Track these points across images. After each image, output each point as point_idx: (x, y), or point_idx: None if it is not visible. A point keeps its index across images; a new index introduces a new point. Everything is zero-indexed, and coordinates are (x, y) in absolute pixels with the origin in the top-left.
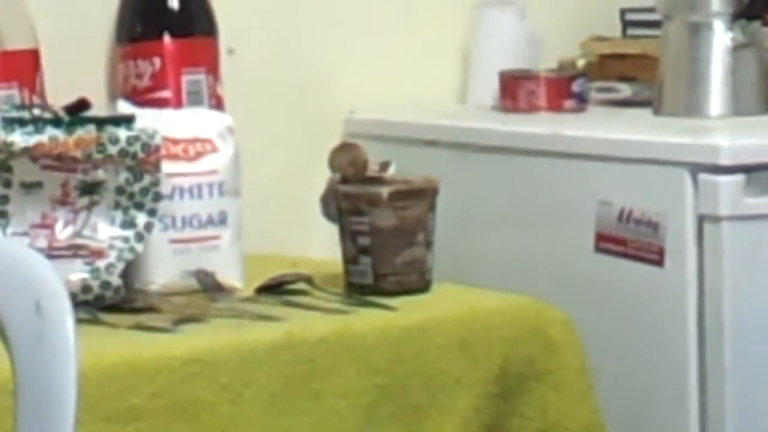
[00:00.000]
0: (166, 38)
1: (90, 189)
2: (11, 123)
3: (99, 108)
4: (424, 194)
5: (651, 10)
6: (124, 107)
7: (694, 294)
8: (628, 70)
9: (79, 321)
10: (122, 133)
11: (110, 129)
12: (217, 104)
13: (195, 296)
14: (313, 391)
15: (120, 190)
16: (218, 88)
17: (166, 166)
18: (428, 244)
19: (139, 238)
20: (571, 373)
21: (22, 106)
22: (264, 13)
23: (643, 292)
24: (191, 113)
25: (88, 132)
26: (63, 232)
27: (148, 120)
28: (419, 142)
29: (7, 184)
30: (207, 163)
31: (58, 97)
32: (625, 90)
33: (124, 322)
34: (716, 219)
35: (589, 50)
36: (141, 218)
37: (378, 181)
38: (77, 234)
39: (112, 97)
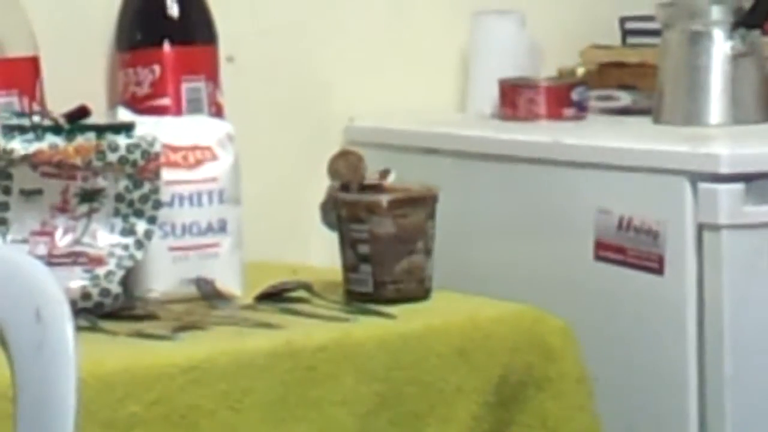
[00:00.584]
0: (166, 46)
1: (90, 196)
2: (11, 130)
3: (99, 115)
4: (423, 202)
5: (651, 18)
6: (123, 115)
7: (693, 302)
8: (628, 79)
9: (78, 328)
10: (122, 141)
11: (110, 136)
12: (217, 112)
13: (194, 304)
14: (312, 399)
15: (120, 198)
16: (218, 96)
17: (166, 174)
18: (428, 252)
19: (139, 245)
20: (570, 382)
21: (22, 114)
22: (264, 21)
23: (643, 301)
24: (191, 121)
25: (87, 139)
26: (63, 240)
27: (148, 127)
28: (419, 150)
29: (7, 192)
30: (207, 170)
31: (58, 105)
32: (625, 98)
33: (123, 329)
34: (716, 227)
35: (589, 59)
36: (141, 226)
37: (377, 189)
38: (77, 241)
39: (112, 105)
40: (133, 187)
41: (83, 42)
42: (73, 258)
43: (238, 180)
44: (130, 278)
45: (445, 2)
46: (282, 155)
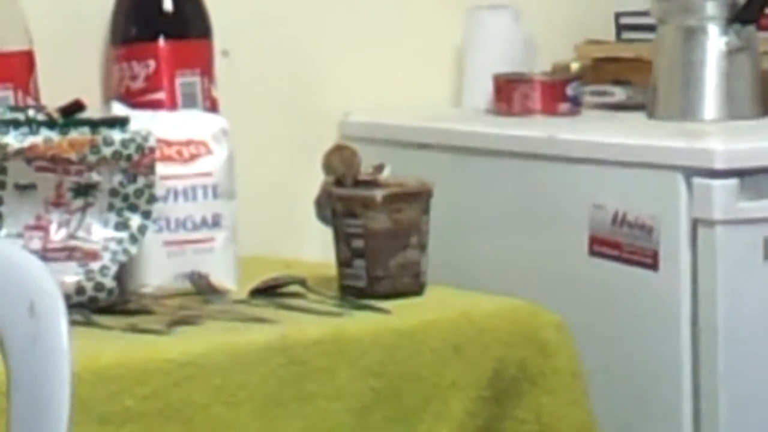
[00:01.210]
0: (161, 40)
1: (84, 191)
2: (5, 124)
3: (93, 110)
4: (418, 197)
5: (645, 14)
6: (118, 109)
7: (687, 297)
8: (623, 74)
9: (73, 323)
10: (116, 135)
11: (104, 131)
12: (212, 106)
13: (189, 298)
14: (306, 394)
15: (114, 192)
16: (213, 90)
17: (161, 168)
18: (422, 247)
19: (133, 240)
20: (565, 377)
21: (16, 108)
22: (258, 15)
23: (637, 296)
24: (185, 115)
25: (82, 134)
26: (57, 234)
27: (143, 122)
28: (413, 145)
29: (1, 186)
30: (201, 165)
31: (53, 99)
32: (620, 93)
33: (118, 324)
34: (710, 223)
35: (584, 54)
36: (135, 220)
37: (372, 183)
38: (71, 236)
39: (107, 99)
40: (128, 182)
41: (78, 36)
42: (67, 252)
43: (233, 174)
44: (124, 273)
45: None
46: (277, 150)
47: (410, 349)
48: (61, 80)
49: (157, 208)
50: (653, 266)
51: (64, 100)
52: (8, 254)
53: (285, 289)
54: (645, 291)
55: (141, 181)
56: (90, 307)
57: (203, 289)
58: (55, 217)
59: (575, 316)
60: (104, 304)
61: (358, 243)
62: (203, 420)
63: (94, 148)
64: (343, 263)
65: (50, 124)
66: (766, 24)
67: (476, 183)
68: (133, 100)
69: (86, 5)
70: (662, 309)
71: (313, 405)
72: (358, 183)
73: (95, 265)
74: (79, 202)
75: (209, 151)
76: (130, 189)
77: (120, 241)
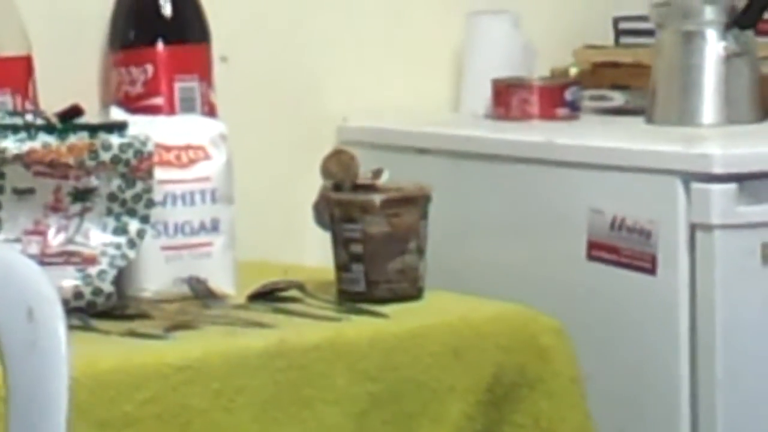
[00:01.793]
0: (159, 45)
1: (82, 195)
2: (4, 129)
3: (92, 115)
4: (416, 202)
5: (644, 18)
6: (116, 114)
7: (686, 302)
8: (621, 79)
9: (71, 327)
10: (115, 140)
11: (103, 136)
12: (210, 111)
13: (187, 303)
14: (305, 398)
15: (112, 197)
16: (211, 96)
17: (159, 173)
18: (420, 251)
19: (132, 244)
20: (563, 381)
21: (14, 113)
22: (257, 21)
23: (636, 301)
24: (184, 120)
25: (80, 139)
26: (55, 239)
27: (141, 127)
28: (412, 149)
29: (0, 191)
30: (199, 170)
31: (51, 104)
32: (618, 98)
33: (116, 328)
34: (708, 227)
35: (582, 58)
36: (133, 225)
37: (370, 188)
38: (69, 240)
39: (105, 104)
40: (126, 187)
41: (76, 41)
42: (65, 257)
43: (231, 179)
44: (122, 277)
45: (439, 2)
46: (275, 155)
47: (409, 353)
48: (59, 85)
49: (155, 213)
50: (651, 271)
51: (63, 105)
52: (6, 259)
53: (283, 294)
54: (643, 296)
55: (139, 186)
56: (88, 311)
57: (202, 293)
58: (53, 221)
59: (573, 320)
60: (102, 308)
61: (356, 248)
62: (202, 424)
63: (93, 152)
64: (341, 268)
65: (49, 128)
66: (765, 29)
67: (475, 188)
68: (132, 105)
69: (85, 10)
70: (660, 313)
71: (311, 409)
72: (356, 188)
73: (93, 270)
74: (77, 207)
75: (207, 156)
76: (129, 194)
77: (118, 246)
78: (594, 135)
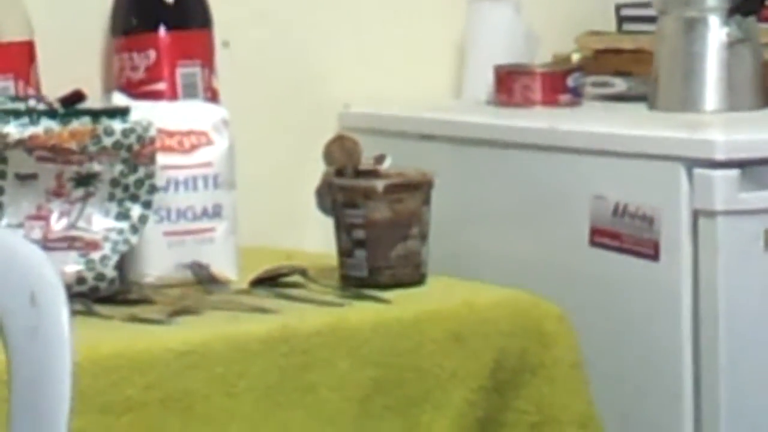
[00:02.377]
0: (161, 31)
1: (85, 181)
2: (6, 114)
3: (94, 100)
4: (419, 187)
5: (646, 5)
6: (119, 99)
7: (688, 288)
8: (624, 65)
9: (73, 313)
10: (117, 126)
11: (105, 121)
12: (212, 97)
13: (189, 288)
14: (307, 384)
15: (115, 182)
16: (213, 81)
17: (161, 159)
18: (423, 237)
19: (134, 230)
20: (565, 367)
21: (17, 98)
22: (259, 6)
23: (638, 287)
24: (186, 106)
25: (83, 124)
26: (58, 224)
27: (143, 112)
28: (414, 136)
29: (2, 176)
30: (202, 155)
31: (53, 89)
32: (620, 85)
33: (118, 314)
34: (711, 214)
35: (585, 45)
36: (136, 210)
37: (373, 174)
38: (72, 226)
39: (107, 89)
40: (128, 172)
41: (78, 26)
42: (68, 242)
43: (233, 165)
44: (125, 263)
45: None
46: (277, 140)
47: (411, 339)
48: (61, 70)
49: (157, 198)
50: (654, 257)
51: (65, 91)
52: (9, 244)
53: (286, 279)
54: (646, 282)
55: (142, 171)
56: (91, 296)
57: (204, 279)
58: (55, 207)
59: (576, 306)
60: (105, 293)
61: (359, 233)
62: (204, 409)
63: (95, 138)
64: (343, 253)
65: (51, 114)
66: (767, 15)
67: (477, 174)
68: (134, 90)
69: None
70: (663, 300)
71: (313, 395)
72: (359, 173)
73: (96, 255)
74: (79, 192)
75: (210, 142)
76: (131, 179)
77: (121, 231)
78: (596, 121)
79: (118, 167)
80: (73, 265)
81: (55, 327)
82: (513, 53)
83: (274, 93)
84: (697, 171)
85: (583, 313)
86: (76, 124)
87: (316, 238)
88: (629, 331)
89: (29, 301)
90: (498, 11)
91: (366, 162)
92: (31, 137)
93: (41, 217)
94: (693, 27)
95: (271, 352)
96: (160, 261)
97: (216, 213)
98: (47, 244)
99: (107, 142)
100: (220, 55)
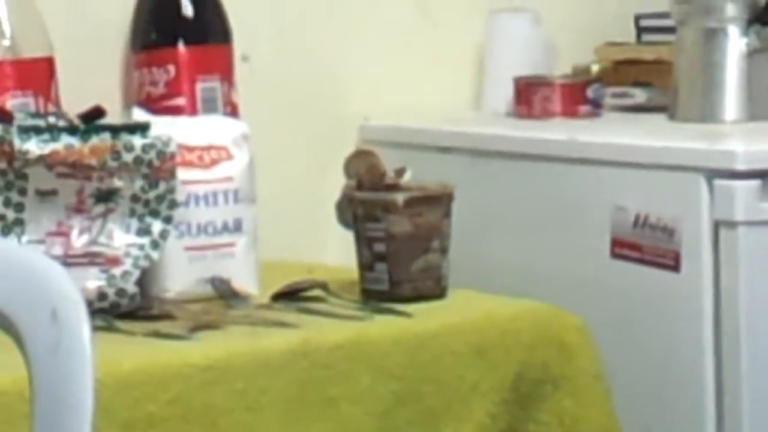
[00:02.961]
0: (181, 45)
1: (105, 197)
2: (27, 131)
3: (114, 116)
4: (439, 200)
5: (665, 15)
6: (138, 115)
7: (710, 299)
8: (643, 76)
9: (95, 329)
10: (137, 141)
11: (125, 137)
12: (232, 111)
13: (211, 303)
14: (329, 398)
15: (135, 198)
16: (233, 95)
17: (181, 174)
18: (443, 250)
19: (155, 245)
20: (587, 379)
21: (37, 114)
22: (278, 20)
23: (659, 298)
24: (206, 120)
25: (103, 140)
26: (78, 240)
27: (163, 127)
28: (434, 148)
29: (23, 192)
30: (222, 170)
31: (73, 105)
32: (640, 95)
33: (140, 329)
34: (732, 224)
35: (604, 56)
36: (156, 226)
37: (393, 187)
38: (93, 242)
39: (127, 105)
40: (149, 187)
41: (98, 42)
42: (89, 258)
43: (254, 179)
44: (146, 278)
45: (461, 0)
46: (297, 154)
47: (432, 352)
48: (81, 86)
49: (178, 214)
50: (675, 268)
51: (85, 107)
52: (30, 261)
53: (307, 294)
54: (667, 293)
55: (162, 187)
56: (112, 312)
57: (225, 293)
58: (76, 223)
59: (597, 318)
60: (126, 309)
61: (379, 247)
62: (226, 425)
63: (115, 153)
64: (364, 267)
65: (71, 130)
66: None
67: (497, 186)
68: (154, 105)
69: (106, 11)
70: (684, 311)
71: (335, 409)
72: (379, 187)
73: (117, 271)
74: (100, 208)
75: (230, 156)
76: (152, 194)
77: (141, 247)
78: (616, 132)
79: (139, 183)
80: (94, 281)
81: (76, 343)
82: (532, 65)
83: (294, 107)
84: (718, 182)
85: (605, 325)
86: (96, 140)
87: (337, 252)
88: (650, 342)
89: (50, 318)
90: (517, 23)
91: (386, 175)
92: (52, 153)
93: (62, 233)
94: (712, 37)
95: (292, 367)
96: (181, 276)
97: (237, 227)
98: (68, 260)
99: (127, 157)
100: (239, 70)
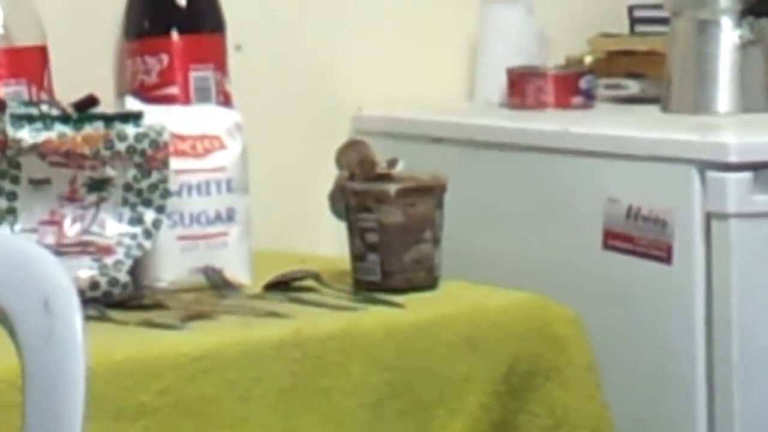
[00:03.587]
0: (174, 34)
1: (98, 186)
2: (19, 119)
3: (107, 105)
4: (431, 191)
5: (659, 6)
6: (132, 104)
7: (701, 291)
8: (636, 67)
9: (87, 318)
10: (130, 130)
11: (118, 126)
12: (225, 101)
13: (203, 293)
14: (320, 388)
15: (128, 187)
16: (226, 85)
17: (174, 163)
18: (436, 241)
19: (147, 234)
20: (578, 371)
21: (30, 103)
22: (271, 10)
23: (651, 290)
24: (199, 110)
25: (96, 129)
26: (71, 229)
27: (156, 116)
28: (427, 139)
29: (15, 181)
30: (215, 159)
31: (66, 94)
32: (633, 87)
33: (132, 319)
34: (724, 216)
35: (597, 47)
36: (149, 215)
37: (386, 178)
38: (85, 231)
39: (120, 94)
40: (142, 177)
41: (91, 31)
42: (81, 247)
43: (247, 169)
44: (138, 268)
45: None
46: (290, 144)
47: (424, 343)
48: (74, 75)
49: (171, 203)
50: (667, 260)
51: (78, 95)
52: (23, 249)
53: (299, 284)
54: (659, 285)
55: (155, 176)
56: (104, 302)
57: (217, 283)
58: (69, 212)
59: (589, 310)
60: (118, 299)
61: (371, 237)
62: (217, 414)
63: (108, 143)
64: (356, 257)
65: (64, 119)
66: None
67: (490, 177)
68: (147, 94)
69: (100, 0)
70: (676, 303)
71: (327, 399)
72: (371, 177)
73: (109, 260)
74: (93, 197)
75: (223, 146)
76: (144, 184)
77: (134, 236)
78: (609, 124)
79: (132, 172)
80: (86, 270)
81: (68, 332)
82: (525, 55)
83: (287, 97)
84: (710, 173)
85: (596, 317)
86: (89, 129)
87: (330, 242)
88: (642, 334)
89: (43, 307)
90: (511, 13)
91: (379, 166)
92: (45, 142)
93: (54, 222)
94: (705, 29)
95: (284, 357)
96: (173, 266)
97: (229, 217)
98: (60, 249)
99: (120, 146)
100: (232, 59)
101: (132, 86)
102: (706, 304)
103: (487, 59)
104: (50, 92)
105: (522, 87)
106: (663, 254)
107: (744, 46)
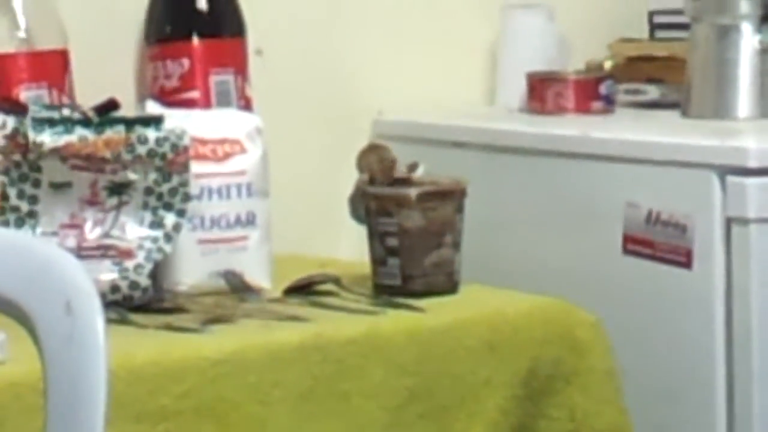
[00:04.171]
0: (195, 39)
1: (119, 189)
2: (41, 123)
3: (128, 108)
4: (452, 195)
5: (679, 12)
6: (152, 108)
7: (721, 296)
8: (656, 72)
9: (108, 321)
10: (151, 134)
11: (139, 129)
12: (246, 105)
13: (223, 297)
14: (341, 392)
15: (149, 191)
16: (247, 89)
17: (195, 167)
18: (456, 245)
19: (168, 238)
20: (599, 375)
21: (51, 107)
22: (293, 14)
23: (671, 295)
24: (220, 114)
25: (117, 132)
26: (92, 233)
27: (177, 120)
28: (447, 143)
29: (37, 184)
30: (235, 163)
31: (87, 98)
32: (653, 92)
33: (153, 322)
34: (744, 221)
35: (617, 52)
36: (170, 219)
37: (406, 182)
38: (106, 234)
39: (141, 98)
40: (162, 180)
41: (112, 35)
42: (102, 251)
43: (267, 173)
44: (159, 271)
45: None
46: (310, 148)
47: (444, 347)
48: (95, 79)
49: (191, 207)
50: (687, 265)
51: (99, 99)
52: (44, 253)
53: (319, 288)
54: (679, 290)
55: (175, 180)
56: (125, 305)
57: (238, 287)
58: (89, 215)
59: (609, 314)
60: (139, 302)
61: (392, 241)
62: (238, 418)
63: (129, 146)
64: (377, 262)
65: (85, 122)
66: None
67: (510, 181)
68: (168, 98)
69: (121, 4)
70: (696, 308)
71: (347, 403)
72: (392, 181)
73: (130, 264)
74: (113, 201)
75: (243, 150)
76: (165, 187)
77: (155, 240)
78: (629, 129)
79: (152, 175)
80: (107, 273)
81: (90, 335)
82: (546, 60)
83: (308, 101)
84: (730, 178)
85: (616, 321)
86: (110, 133)
87: (350, 247)
88: (662, 338)
89: (64, 310)
90: (531, 19)
91: (399, 170)
92: (66, 146)
93: (75, 225)
94: (726, 34)
95: (304, 361)
96: (193, 269)
97: (249, 221)
98: (81, 252)
99: (141, 150)
100: (253, 63)
101: (153, 90)
102: (726, 309)
103: (508, 64)
104: (71, 96)
105: (542, 92)
106: (683, 259)
107: (764, 52)
